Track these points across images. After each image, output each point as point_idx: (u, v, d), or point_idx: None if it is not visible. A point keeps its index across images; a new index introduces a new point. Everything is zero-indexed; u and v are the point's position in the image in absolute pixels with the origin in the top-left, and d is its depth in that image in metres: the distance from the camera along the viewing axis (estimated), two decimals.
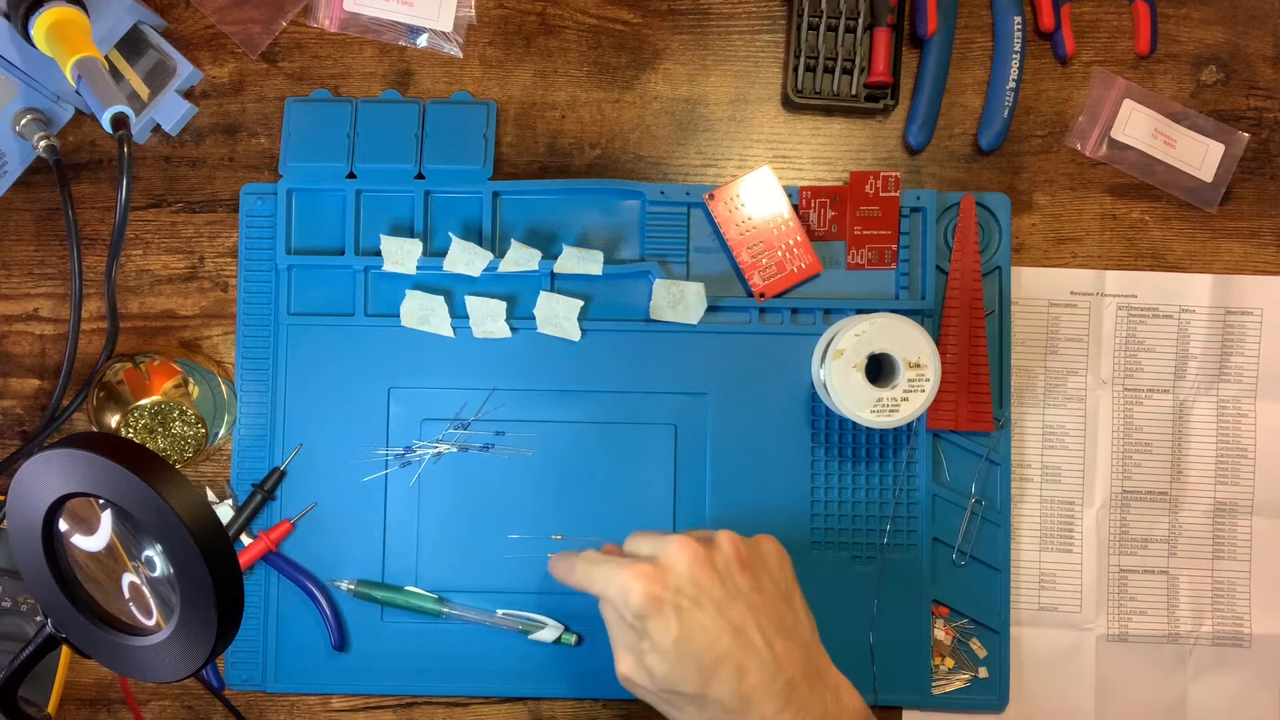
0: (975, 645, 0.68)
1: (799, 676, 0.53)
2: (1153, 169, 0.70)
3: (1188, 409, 0.70)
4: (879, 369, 0.64)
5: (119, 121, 0.57)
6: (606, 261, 0.67)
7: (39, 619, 0.66)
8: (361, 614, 0.67)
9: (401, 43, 0.70)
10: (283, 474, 0.68)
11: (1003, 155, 0.70)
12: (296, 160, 0.68)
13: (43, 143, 0.64)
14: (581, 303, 0.67)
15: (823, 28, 0.69)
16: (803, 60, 0.69)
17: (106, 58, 0.64)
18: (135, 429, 0.63)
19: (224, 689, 0.68)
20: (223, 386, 0.67)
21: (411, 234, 0.68)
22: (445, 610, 0.67)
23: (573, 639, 0.67)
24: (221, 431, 0.66)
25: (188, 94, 0.69)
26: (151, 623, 0.47)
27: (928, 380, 0.62)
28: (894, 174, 0.67)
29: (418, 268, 0.67)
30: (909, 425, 0.68)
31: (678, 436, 0.68)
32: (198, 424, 0.63)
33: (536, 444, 0.68)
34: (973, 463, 0.68)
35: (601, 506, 0.68)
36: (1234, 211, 0.70)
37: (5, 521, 0.59)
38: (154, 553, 0.45)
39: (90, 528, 0.47)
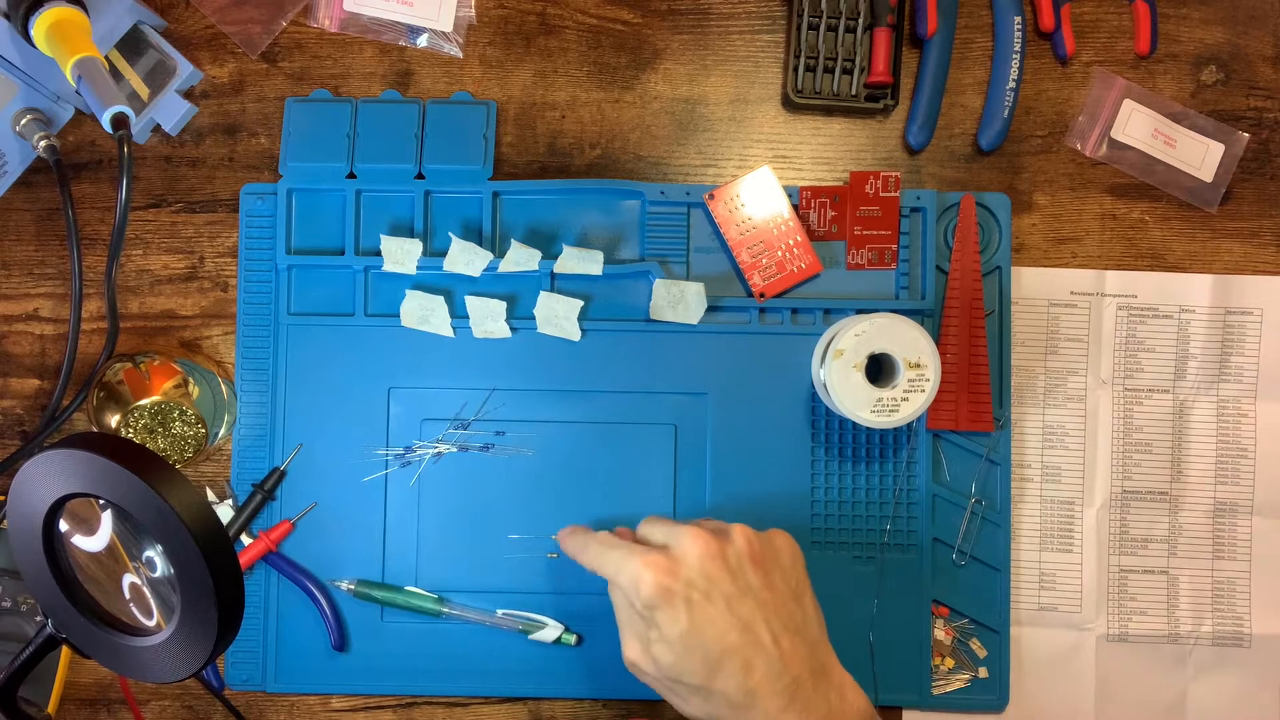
0: (975, 645, 0.68)
1: (804, 674, 0.54)
2: (1153, 169, 0.70)
3: (1188, 409, 0.70)
4: (879, 369, 0.64)
5: (119, 121, 0.57)
6: (606, 261, 0.67)
7: (39, 619, 0.66)
8: (361, 614, 0.67)
9: (401, 43, 0.70)
10: (283, 474, 0.68)
11: (1003, 155, 0.70)
12: (296, 160, 0.68)
13: (43, 143, 0.64)
14: (581, 303, 0.67)
15: (823, 28, 0.69)
16: (803, 60, 0.69)
17: (106, 58, 0.64)
18: (135, 429, 0.63)
19: (224, 689, 0.68)
20: (223, 386, 0.67)
21: (411, 234, 0.68)
22: (445, 610, 0.67)
23: (573, 639, 0.67)
24: (221, 431, 0.66)
25: (188, 94, 0.69)
26: (152, 623, 0.47)
27: (928, 380, 0.62)
28: (894, 174, 0.67)
29: (418, 268, 0.67)
30: (909, 425, 0.68)
31: (678, 436, 0.68)
32: (198, 424, 0.63)
33: (536, 444, 0.68)
34: (973, 463, 0.68)
35: (602, 506, 0.68)
36: (1234, 211, 0.70)
37: (5, 521, 0.59)
38: (154, 553, 0.45)
39: (90, 528, 0.47)
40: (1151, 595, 0.69)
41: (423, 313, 0.67)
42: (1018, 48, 0.68)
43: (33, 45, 0.60)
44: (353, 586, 0.67)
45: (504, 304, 0.67)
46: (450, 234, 0.67)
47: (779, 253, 0.68)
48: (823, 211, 0.68)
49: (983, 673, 0.68)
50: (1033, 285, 0.70)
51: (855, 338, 0.62)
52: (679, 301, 0.67)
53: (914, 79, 0.70)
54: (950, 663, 0.68)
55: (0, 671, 0.49)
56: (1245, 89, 0.71)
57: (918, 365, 0.62)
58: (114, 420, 0.63)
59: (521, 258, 0.66)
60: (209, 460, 0.69)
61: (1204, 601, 0.69)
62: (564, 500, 0.68)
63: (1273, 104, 0.71)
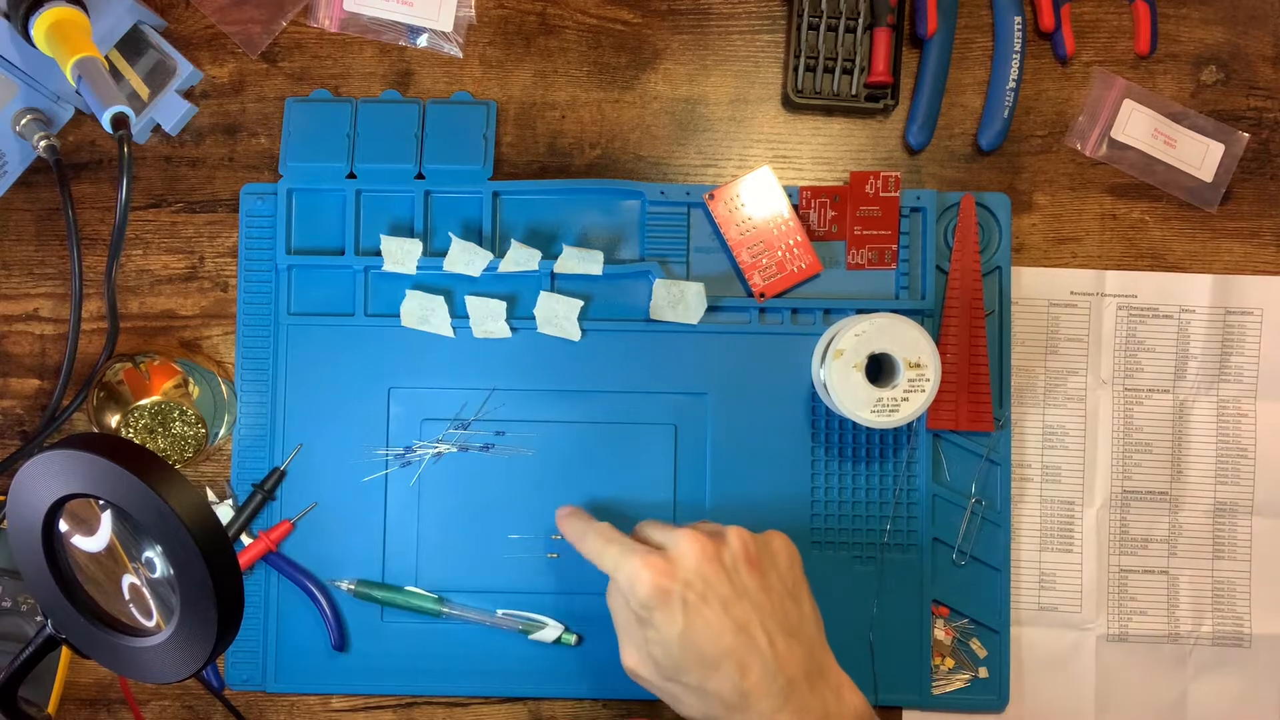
0: (975, 645, 0.68)
1: (800, 676, 0.54)
2: (1153, 169, 0.70)
3: (1188, 409, 0.70)
4: (879, 369, 0.64)
5: (119, 121, 0.57)
6: (606, 261, 0.67)
7: (39, 619, 0.66)
8: (361, 614, 0.67)
9: (401, 43, 0.70)
10: (283, 474, 0.68)
11: (1003, 155, 0.70)
12: (296, 160, 0.68)
13: (43, 143, 0.64)
14: (581, 303, 0.67)
15: (823, 28, 0.69)
16: (803, 60, 0.69)
17: (106, 58, 0.64)
18: (135, 429, 0.63)
19: (224, 689, 0.68)
20: (223, 386, 0.67)
21: (411, 234, 0.68)
22: (445, 610, 0.67)
23: (573, 639, 0.67)
24: (221, 431, 0.66)
25: (188, 94, 0.69)
26: (151, 624, 0.47)
27: (928, 380, 0.62)
28: (894, 174, 0.67)
29: (418, 268, 0.67)
30: (909, 425, 0.68)
31: (678, 436, 0.68)
32: (198, 424, 0.63)
33: (536, 444, 0.68)
34: (973, 463, 0.68)
35: (601, 506, 0.68)
36: (1234, 211, 0.70)
37: (5, 522, 0.59)
38: (154, 553, 0.45)
39: (90, 528, 0.47)
40: (1151, 595, 0.69)
41: (423, 313, 0.67)
42: (1018, 48, 0.68)
43: (33, 45, 0.60)
44: (353, 586, 0.67)
45: (504, 304, 0.67)
46: (450, 234, 0.67)
47: (779, 253, 0.68)
48: (823, 211, 0.68)
49: (983, 673, 0.68)
50: (1033, 285, 0.70)
51: (855, 338, 0.62)
52: (679, 301, 0.67)
53: (914, 79, 0.70)
54: (950, 663, 0.68)
55: (0, 671, 0.49)
56: (1245, 89, 0.71)
57: (918, 365, 0.62)
58: (114, 420, 0.63)
59: (521, 258, 0.66)
60: (209, 460, 0.69)
61: (1204, 601, 0.69)
62: (564, 500, 0.67)
63: (1273, 104, 0.71)
